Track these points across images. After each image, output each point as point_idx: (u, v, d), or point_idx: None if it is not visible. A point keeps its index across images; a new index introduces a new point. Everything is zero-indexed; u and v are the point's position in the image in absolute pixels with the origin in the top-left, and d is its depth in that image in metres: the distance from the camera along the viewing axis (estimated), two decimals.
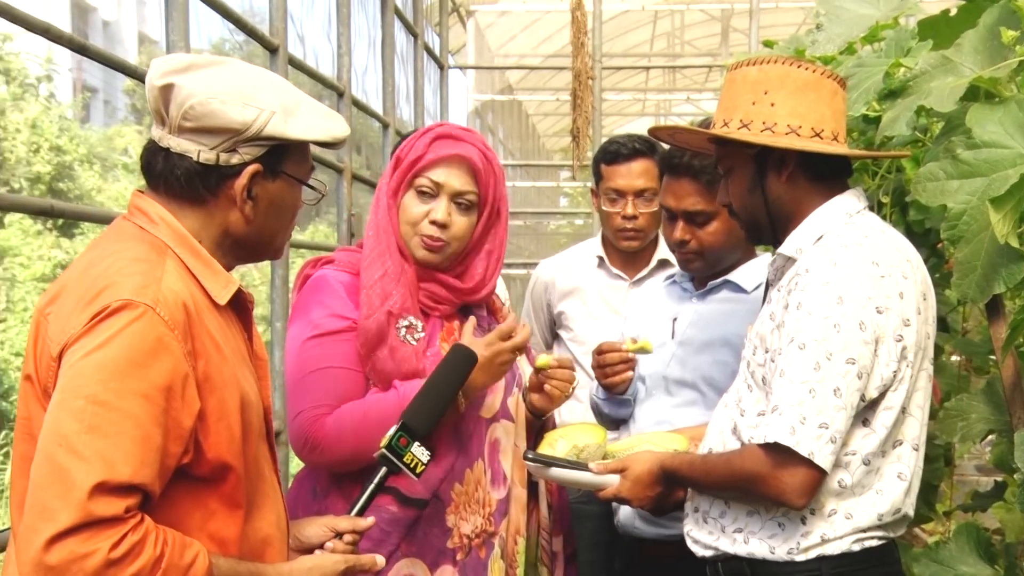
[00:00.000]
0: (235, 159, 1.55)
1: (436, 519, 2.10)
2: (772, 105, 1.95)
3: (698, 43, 15.34)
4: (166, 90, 1.54)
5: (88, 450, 1.36)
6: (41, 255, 10.57)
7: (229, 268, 1.64)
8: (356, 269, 2.16)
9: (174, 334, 1.44)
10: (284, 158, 1.60)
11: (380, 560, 1.73)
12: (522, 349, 2.16)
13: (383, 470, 1.81)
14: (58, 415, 1.39)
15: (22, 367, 1.54)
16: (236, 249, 1.63)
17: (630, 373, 2.45)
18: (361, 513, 1.79)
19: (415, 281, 2.15)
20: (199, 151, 1.54)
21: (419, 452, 1.81)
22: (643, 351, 2.43)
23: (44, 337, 1.49)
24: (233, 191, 1.57)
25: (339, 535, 1.74)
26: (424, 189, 2.14)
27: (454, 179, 2.14)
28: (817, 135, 1.95)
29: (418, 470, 1.81)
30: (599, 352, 2.48)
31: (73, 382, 1.39)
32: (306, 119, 1.59)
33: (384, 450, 1.80)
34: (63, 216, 2.48)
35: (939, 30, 2.21)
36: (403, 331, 2.11)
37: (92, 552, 1.33)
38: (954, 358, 2.95)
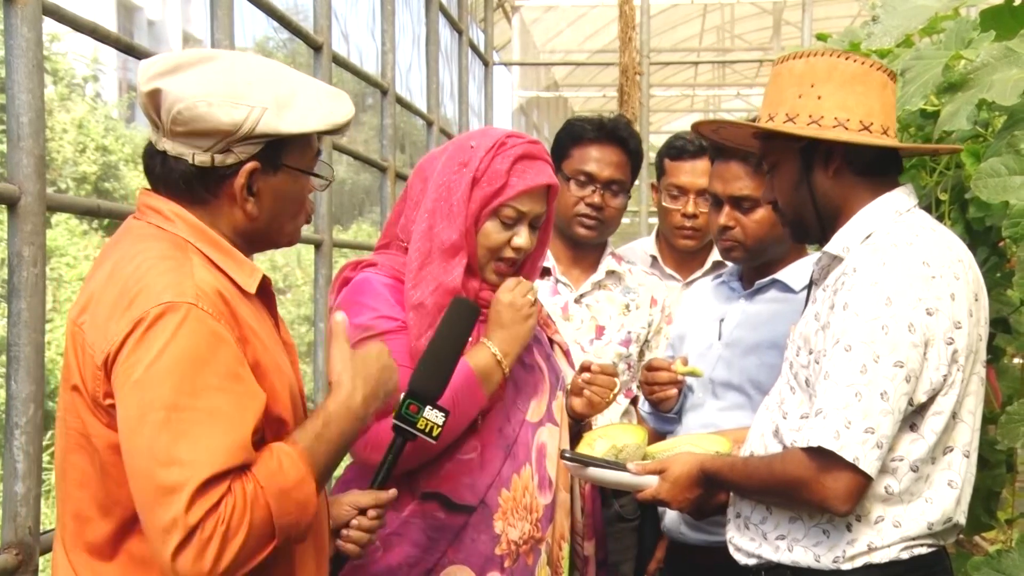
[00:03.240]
0: (231, 159, 1.53)
1: (483, 525, 2.07)
2: (819, 98, 1.92)
3: (749, 37, 15.24)
4: (154, 96, 1.51)
5: (183, 457, 1.37)
6: (87, 255, 10.65)
7: (247, 256, 1.63)
8: (398, 274, 2.12)
9: (222, 324, 1.44)
10: (282, 151, 1.57)
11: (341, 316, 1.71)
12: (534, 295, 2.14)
13: (399, 440, 1.78)
14: (143, 432, 1.39)
15: (62, 378, 1.53)
16: (247, 242, 1.62)
17: (675, 391, 2.44)
18: (382, 486, 1.79)
19: (473, 291, 2.12)
20: (193, 154, 1.52)
21: (432, 415, 1.78)
22: (693, 375, 2.42)
23: (82, 346, 1.47)
24: (233, 190, 1.55)
25: (363, 511, 1.77)
26: (507, 220, 2.10)
27: (537, 206, 2.12)
28: (866, 128, 1.91)
29: (434, 433, 1.78)
30: (648, 368, 2.46)
31: (146, 397, 1.39)
32: (302, 110, 1.54)
33: (395, 420, 1.77)
34: (109, 216, 2.49)
35: (1002, 20, 2.17)
36: None
37: (209, 539, 1.36)
38: (1016, 360, 2.90)
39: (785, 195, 2.00)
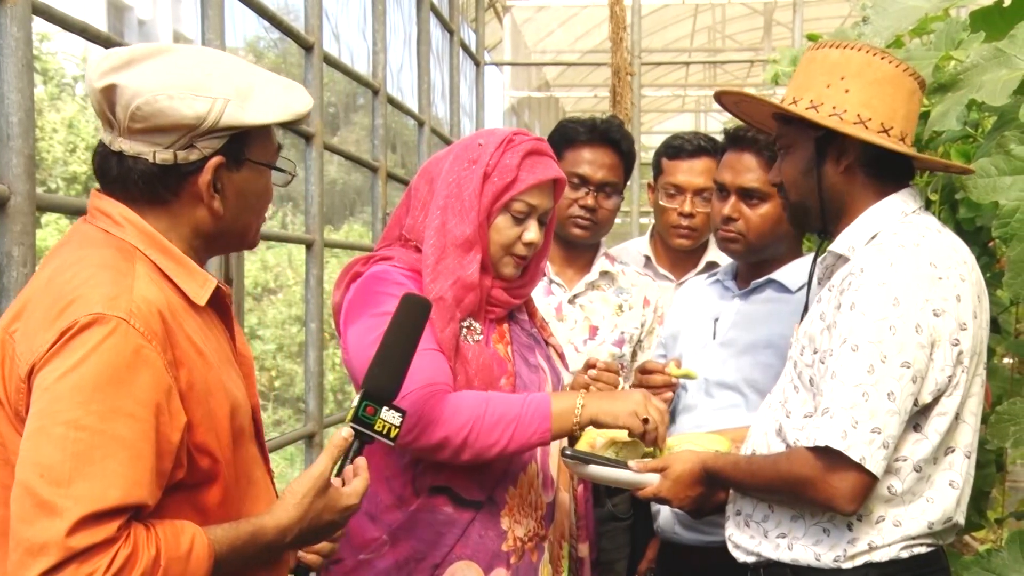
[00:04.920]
0: (194, 155, 1.45)
1: (491, 521, 2.08)
2: (846, 92, 1.91)
3: (740, 37, 15.27)
4: (109, 91, 1.43)
5: (74, 480, 1.26)
6: None
7: (203, 264, 1.54)
8: (416, 267, 2.12)
9: (152, 345, 1.34)
10: (246, 145, 1.49)
11: (347, 431, 1.65)
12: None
13: (355, 443, 1.72)
14: (38, 444, 1.28)
15: None
16: (208, 245, 1.54)
17: (670, 394, 2.43)
18: None
19: (487, 288, 2.14)
20: (154, 152, 1.44)
21: (389, 416, 1.72)
22: (687, 377, 2.42)
23: (12, 357, 1.37)
24: (197, 188, 1.47)
25: None
26: (518, 214, 2.13)
27: (546, 200, 2.16)
28: (884, 131, 1.91)
29: (392, 435, 1.72)
30: (642, 371, 2.46)
31: (51, 407, 1.29)
32: (263, 100, 1.47)
33: (351, 424, 1.72)
34: None
35: (992, 21, 2.17)
36: (464, 331, 2.10)
37: None
38: (1006, 360, 2.90)
39: (792, 179, 1.99)
